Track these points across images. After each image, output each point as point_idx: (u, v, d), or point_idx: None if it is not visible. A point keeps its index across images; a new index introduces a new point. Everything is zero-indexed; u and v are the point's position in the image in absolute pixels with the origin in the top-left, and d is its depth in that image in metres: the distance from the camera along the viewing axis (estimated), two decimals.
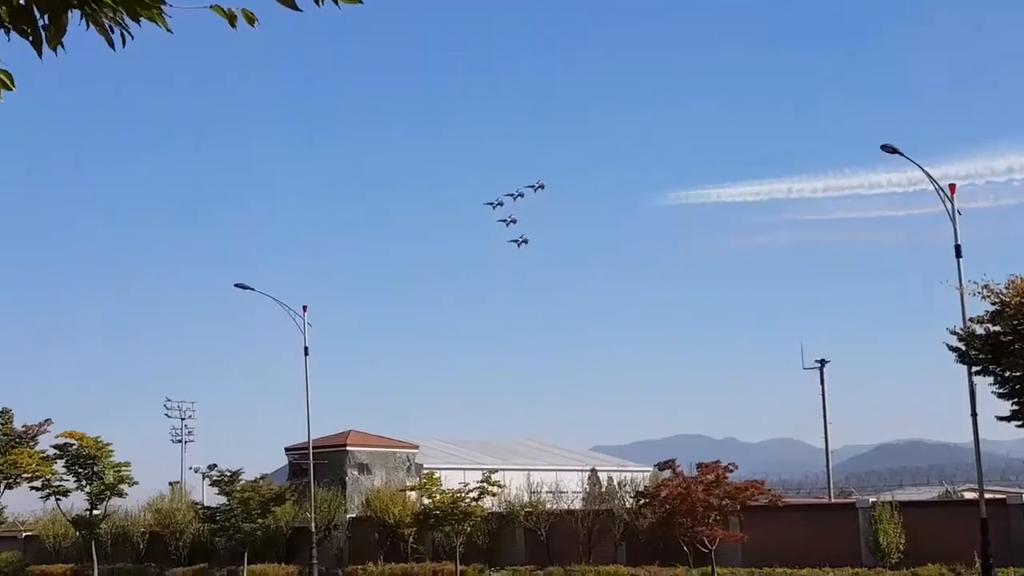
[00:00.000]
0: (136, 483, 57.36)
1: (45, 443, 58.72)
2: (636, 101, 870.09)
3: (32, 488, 58.09)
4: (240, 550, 51.94)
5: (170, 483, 71.17)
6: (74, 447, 55.82)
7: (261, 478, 54.90)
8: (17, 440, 59.03)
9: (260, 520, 52.16)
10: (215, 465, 54.49)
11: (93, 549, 54.72)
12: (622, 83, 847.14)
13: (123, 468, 56.47)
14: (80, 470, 55.75)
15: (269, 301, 49.89)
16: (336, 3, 4.89)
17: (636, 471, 75.63)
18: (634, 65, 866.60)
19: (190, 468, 72.25)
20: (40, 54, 5.01)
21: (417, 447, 62.71)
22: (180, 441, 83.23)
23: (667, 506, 39.28)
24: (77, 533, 57.12)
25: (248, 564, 51.41)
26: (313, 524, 48.11)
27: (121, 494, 56.91)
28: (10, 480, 58.12)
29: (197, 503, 58.99)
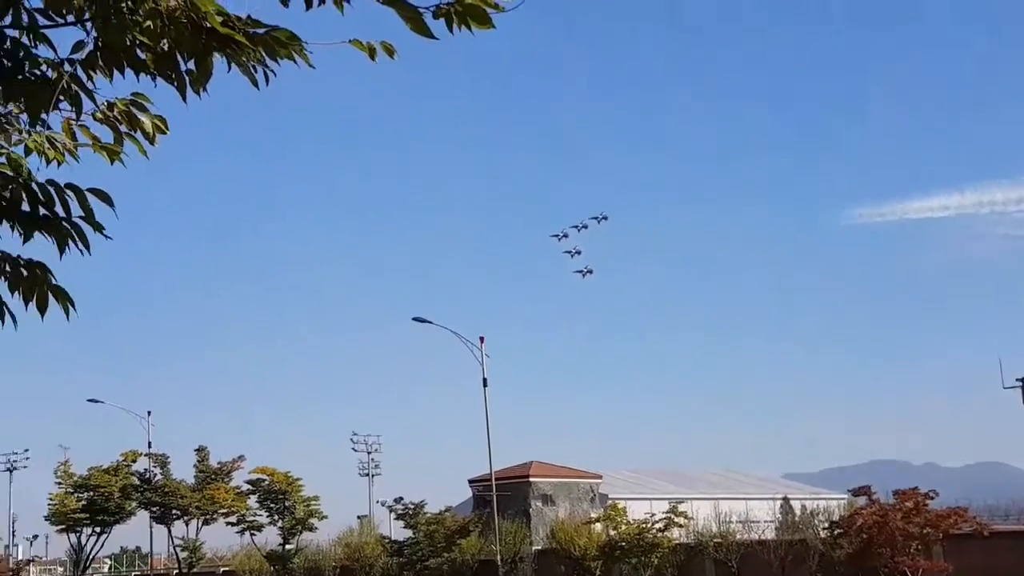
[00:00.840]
0: (325, 517, 58.70)
1: (239, 479, 60.87)
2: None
3: (228, 523, 60.21)
4: None
5: (358, 517, 72.54)
6: (266, 482, 57.50)
7: (446, 510, 55.24)
8: (213, 476, 61.27)
9: (446, 553, 52.41)
10: (401, 498, 55.23)
11: None
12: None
13: (313, 502, 57.84)
14: (272, 505, 57.37)
15: (446, 333, 50.18)
16: (470, 29, 4.71)
17: (830, 498, 72.86)
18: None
19: (377, 501, 73.36)
20: (184, 98, 4.92)
21: (600, 477, 62.03)
22: (367, 475, 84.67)
23: (863, 535, 37.60)
24: (271, 567, 58.52)
25: None
26: (499, 556, 47.94)
27: (312, 528, 58.31)
28: (207, 516, 60.30)
29: (385, 537, 59.85)
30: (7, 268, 4.96)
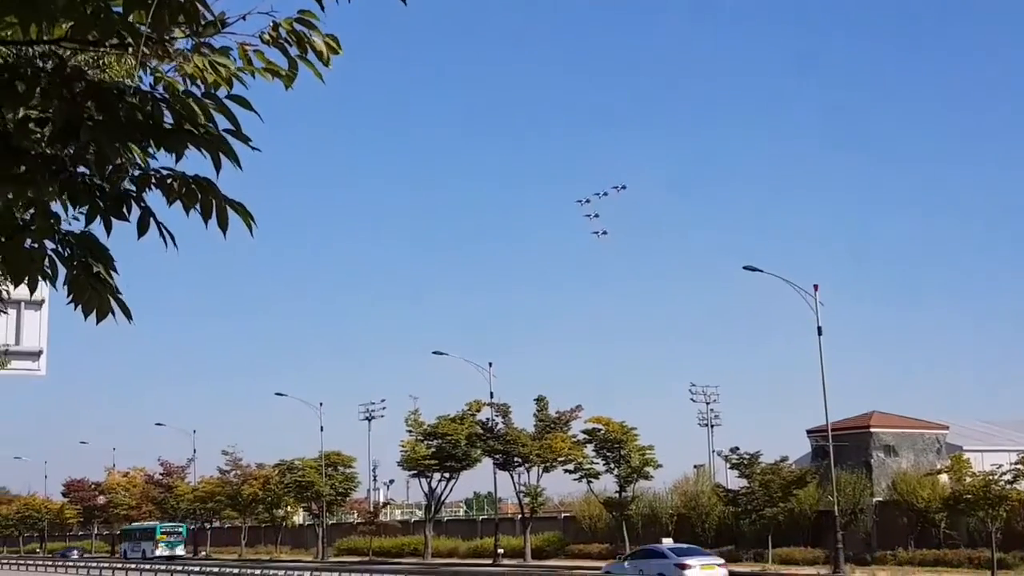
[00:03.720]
0: (660, 466, 59.19)
1: (576, 428, 62.46)
2: None
3: (566, 471, 61.99)
4: (764, 533, 51.68)
5: (695, 466, 72.50)
6: (602, 432, 58.65)
7: (781, 461, 54.25)
8: (552, 425, 63.23)
9: (782, 503, 51.59)
10: (737, 448, 54.80)
11: (624, 530, 56.97)
12: None
13: (647, 451, 58.44)
14: (608, 454, 58.48)
15: (777, 282, 48.96)
16: None
17: None
18: None
19: (715, 451, 73.22)
20: None
21: (947, 428, 58.72)
22: (707, 425, 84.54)
23: None
24: (610, 514, 59.73)
25: (773, 547, 50.96)
26: (836, 508, 46.51)
27: (647, 476, 58.97)
28: (547, 463, 62.37)
29: (719, 486, 59.64)
30: (175, 185, 4.76)
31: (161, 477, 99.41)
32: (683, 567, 37.33)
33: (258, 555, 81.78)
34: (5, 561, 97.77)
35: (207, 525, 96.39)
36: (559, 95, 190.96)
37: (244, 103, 4.75)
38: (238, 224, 4.90)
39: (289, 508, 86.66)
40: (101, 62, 4.92)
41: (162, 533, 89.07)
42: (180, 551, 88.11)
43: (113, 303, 5.00)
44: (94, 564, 75.55)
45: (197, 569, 60.66)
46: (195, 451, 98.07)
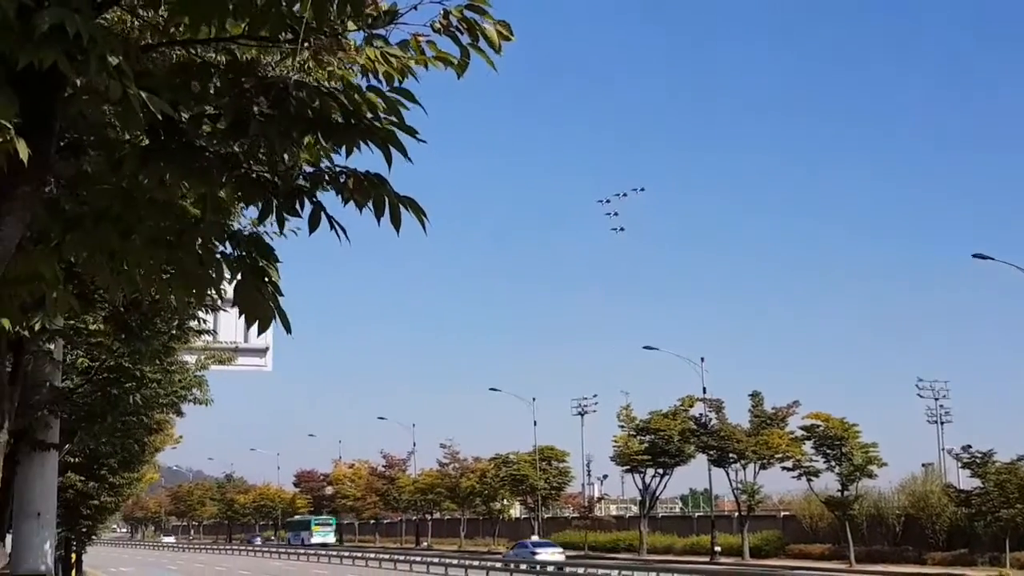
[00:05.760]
0: (885, 464, 56.84)
1: (793, 424, 60.79)
2: None
3: (783, 468, 60.41)
4: (1001, 536, 49.00)
5: (923, 464, 69.31)
6: (820, 428, 56.83)
7: (1019, 459, 51.27)
8: (767, 421, 61.79)
9: (1019, 505, 48.73)
10: (969, 446, 52.24)
11: (848, 530, 54.90)
12: None
13: (871, 449, 56.24)
14: (828, 451, 56.55)
15: (1014, 271, 46.14)
16: None
17: None
18: None
19: (945, 449, 69.62)
20: None
21: None
22: (935, 422, 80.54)
23: None
24: (831, 513, 57.79)
25: (1010, 551, 48.20)
26: None
27: (871, 475, 56.69)
28: (763, 460, 60.97)
29: (950, 485, 56.85)
30: (349, 182, 4.75)
31: (384, 469, 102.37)
32: (535, 552, 57.07)
33: (476, 547, 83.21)
34: (206, 547, 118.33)
35: (428, 516, 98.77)
36: None
37: (409, 96, 4.72)
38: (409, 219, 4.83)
39: (505, 501, 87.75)
40: (275, 59, 4.93)
41: (316, 525, 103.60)
42: (331, 539, 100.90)
43: (275, 310, 4.98)
44: (273, 548, 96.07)
45: (419, 559, 62.20)
46: (415, 444, 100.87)
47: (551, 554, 57.12)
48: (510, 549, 63.70)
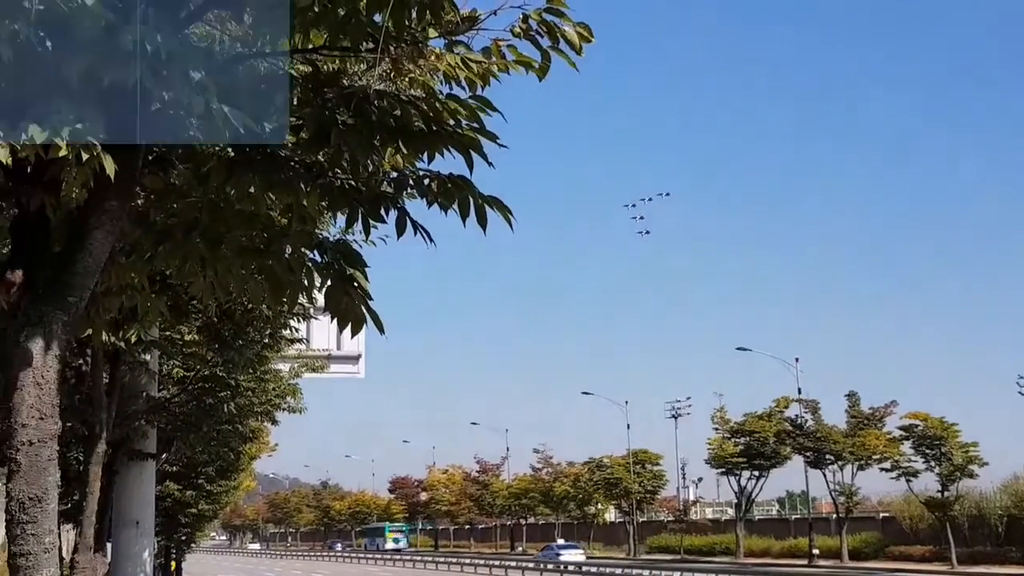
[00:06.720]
0: (986, 464, 55.33)
1: (891, 425, 59.57)
2: None
3: (881, 469, 59.18)
4: None
5: None
6: (919, 428, 55.61)
7: None
8: (865, 422, 60.65)
9: None
10: None
11: (948, 531, 53.58)
12: None
13: (971, 448, 54.88)
14: (927, 451, 55.31)
15: None
16: None
17: None
18: None
19: None
20: None
21: None
22: None
23: None
24: (931, 514, 56.48)
25: None
26: None
27: (971, 475, 55.28)
28: (861, 461, 59.85)
29: None
30: (433, 185, 4.78)
31: (477, 475, 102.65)
32: (559, 554, 64.12)
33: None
34: (303, 553, 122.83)
35: (522, 521, 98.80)
36: None
37: (486, 103, 4.72)
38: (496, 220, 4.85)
39: (600, 505, 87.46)
40: (361, 69, 4.97)
41: (390, 531, 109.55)
42: (403, 545, 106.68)
43: (366, 313, 5.03)
44: (354, 554, 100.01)
45: (532, 565, 62.44)
46: (508, 449, 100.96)
47: (573, 555, 64.72)
48: (539, 552, 71.33)
